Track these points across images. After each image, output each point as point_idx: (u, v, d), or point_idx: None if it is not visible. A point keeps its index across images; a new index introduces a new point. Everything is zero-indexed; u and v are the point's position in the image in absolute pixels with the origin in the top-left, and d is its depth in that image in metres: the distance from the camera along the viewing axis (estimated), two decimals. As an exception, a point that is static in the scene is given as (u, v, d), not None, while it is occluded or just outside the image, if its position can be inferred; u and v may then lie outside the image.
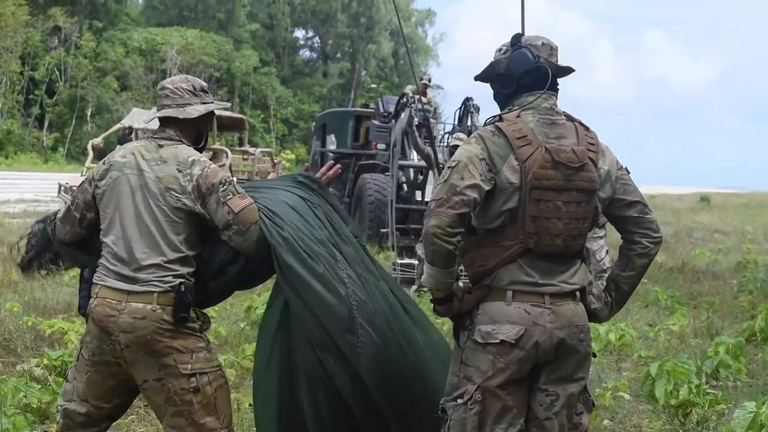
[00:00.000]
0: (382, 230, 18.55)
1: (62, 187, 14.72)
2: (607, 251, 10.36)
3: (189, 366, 4.39)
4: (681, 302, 12.93)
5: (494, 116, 4.18)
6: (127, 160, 4.53)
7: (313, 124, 25.73)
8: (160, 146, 4.54)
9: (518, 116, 4.06)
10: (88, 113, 61.96)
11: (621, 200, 4.24)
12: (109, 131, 16.34)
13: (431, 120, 20.01)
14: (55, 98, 62.10)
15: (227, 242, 4.44)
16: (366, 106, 25.92)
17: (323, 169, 4.84)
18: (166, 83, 4.71)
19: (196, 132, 4.72)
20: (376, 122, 20.90)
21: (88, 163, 15.58)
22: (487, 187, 3.94)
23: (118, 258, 4.44)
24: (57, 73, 61.99)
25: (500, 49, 4.26)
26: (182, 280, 4.39)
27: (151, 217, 4.42)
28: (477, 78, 4.36)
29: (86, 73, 62.25)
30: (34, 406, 6.37)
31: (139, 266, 4.38)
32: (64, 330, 8.16)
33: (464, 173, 3.93)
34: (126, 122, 15.93)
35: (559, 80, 4.25)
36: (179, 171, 4.43)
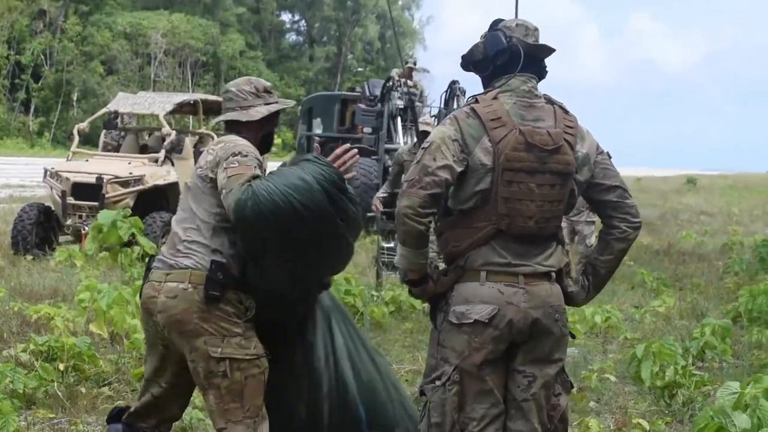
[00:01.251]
0: (368, 214, 18.54)
1: (48, 172, 14.64)
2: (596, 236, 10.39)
3: (219, 350, 4.34)
4: (667, 284, 12.97)
5: (471, 97, 4.20)
6: None
7: (299, 108, 25.63)
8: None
9: (495, 98, 4.08)
10: (74, 98, 61.67)
11: (600, 184, 4.24)
12: (95, 116, 16.23)
13: (417, 103, 20.00)
14: (40, 83, 61.81)
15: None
16: (352, 89, 25.87)
17: (338, 151, 4.55)
18: (230, 86, 4.75)
19: (261, 133, 4.72)
20: (362, 106, 20.87)
21: (73, 147, 15.49)
22: (459, 168, 3.96)
23: (167, 245, 4.57)
24: (43, 57, 61.68)
25: (481, 36, 4.27)
26: (215, 257, 4.37)
27: (189, 198, 4.52)
28: (461, 66, 4.38)
29: (72, 58, 61.93)
30: (21, 391, 6.35)
31: (178, 244, 4.46)
32: (50, 315, 8.12)
33: (436, 154, 3.95)
34: (112, 107, 15.82)
35: (547, 63, 4.26)
36: (208, 152, 4.51)
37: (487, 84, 4.24)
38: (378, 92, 19.85)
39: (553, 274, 4.15)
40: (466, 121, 4.03)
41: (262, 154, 4.58)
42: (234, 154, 4.33)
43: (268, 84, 4.80)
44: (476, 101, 4.10)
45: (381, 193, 10.64)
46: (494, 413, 4.06)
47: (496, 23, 4.23)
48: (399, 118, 18.38)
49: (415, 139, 17.27)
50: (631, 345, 8.75)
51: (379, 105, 19.11)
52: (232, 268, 4.37)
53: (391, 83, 19.01)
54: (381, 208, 10.35)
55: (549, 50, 4.24)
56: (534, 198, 4.00)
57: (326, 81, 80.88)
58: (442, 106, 16.22)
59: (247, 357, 4.39)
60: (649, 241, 19.43)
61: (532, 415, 4.09)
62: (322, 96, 25.31)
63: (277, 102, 4.75)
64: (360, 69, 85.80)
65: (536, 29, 4.22)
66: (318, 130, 22.64)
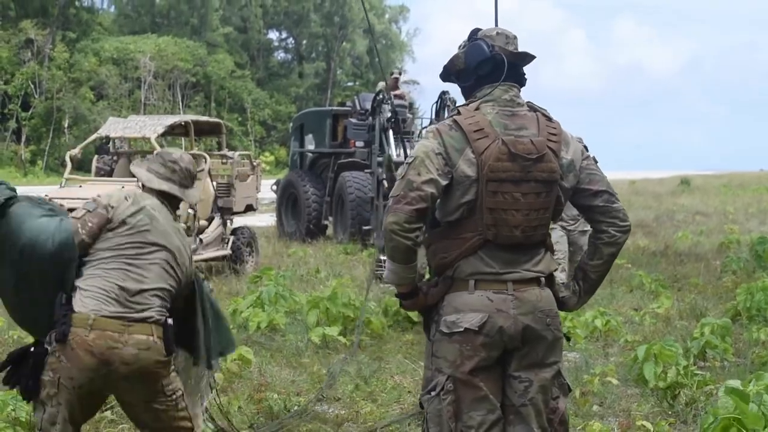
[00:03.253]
0: (365, 227, 18.55)
1: (42, 200, 14.63)
2: None
3: (171, 386, 4.78)
4: (665, 285, 12.99)
5: (453, 109, 4.22)
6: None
7: (290, 125, 25.66)
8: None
9: (477, 108, 4.10)
10: (65, 125, 61.58)
11: (586, 190, 4.25)
12: (86, 141, 16.19)
13: (408, 114, 20.00)
14: (30, 111, 61.74)
15: None
16: (342, 104, 25.89)
17: None
18: (179, 160, 5.08)
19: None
20: (353, 120, 20.89)
21: (66, 174, 15.46)
22: (444, 182, 3.98)
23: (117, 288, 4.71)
24: (32, 86, 61.63)
25: (460, 46, 4.29)
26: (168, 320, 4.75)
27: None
28: (441, 77, 4.41)
29: (61, 85, 61.88)
30: (23, 419, 6.34)
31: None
32: (49, 342, 8.11)
33: (421, 169, 3.97)
34: (103, 132, 15.80)
35: (527, 71, 4.27)
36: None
37: (468, 94, 4.25)
38: (369, 106, 19.86)
39: (543, 279, 4.16)
40: (448, 133, 4.04)
41: None
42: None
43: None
44: (458, 113, 4.10)
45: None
46: (492, 419, 4.07)
47: (474, 33, 4.25)
48: (390, 131, 18.38)
49: (410, 151, 17.33)
50: (631, 348, 8.76)
51: (371, 119, 19.12)
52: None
53: (381, 96, 19.03)
54: None
55: (530, 57, 4.26)
56: (520, 207, 4.02)
57: (317, 97, 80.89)
58: (433, 116, 16.20)
59: (181, 386, 4.90)
60: (646, 243, 19.45)
61: (531, 420, 4.10)
62: (313, 112, 25.31)
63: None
64: (350, 83, 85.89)
65: (515, 37, 4.24)
66: (310, 146, 22.67)
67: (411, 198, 3.92)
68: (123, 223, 4.73)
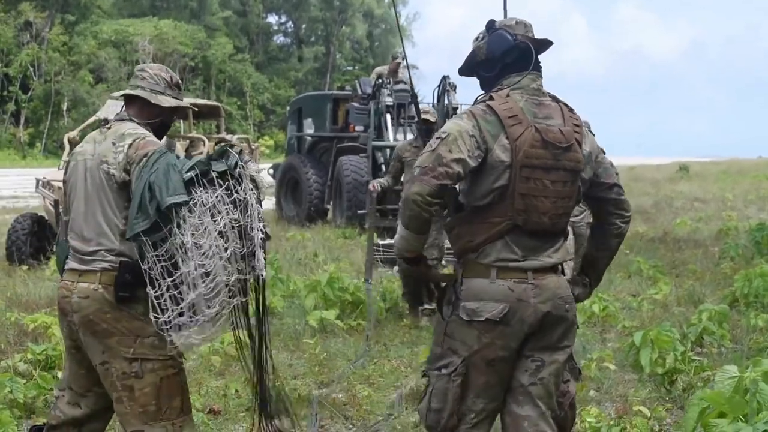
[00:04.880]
0: (360, 211, 18.52)
1: (40, 182, 14.63)
2: None
3: (132, 350, 4.29)
4: (663, 271, 13.01)
5: (484, 94, 4.23)
6: (83, 149, 4.56)
7: (288, 109, 25.57)
8: (108, 128, 4.52)
9: (508, 95, 4.11)
10: (64, 107, 61.55)
11: (602, 183, 4.35)
12: (85, 124, 16.20)
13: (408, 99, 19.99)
14: (30, 94, 61.67)
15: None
16: (342, 88, 25.84)
17: None
18: (146, 67, 4.72)
19: (161, 122, 4.68)
20: (355, 104, 20.84)
21: (64, 156, 15.42)
22: (473, 164, 3.99)
23: (75, 239, 4.46)
24: (31, 68, 61.52)
25: (477, 38, 4.32)
26: (123, 258, 4.30)
27: (95, 194, 4.41)
28: (461, 72, 4.45)
29: (60, 68, 61.80)
30: (20, 401, 6.36)
31: (88, 244, 4.39)
32: (47, 324, 8.12)
33: (452, 146, 3.97)
34: (101, 114, 15.77)
35: (540, 57, 4.29)
36: (113, 144, 4.40)
37: (492, 84, 4.26)
38: (370, 90, 19.84)
39: (560, 267, 4.21)
40: (484, 117, 4.05)
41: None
42: (147, 155, 4.24)
43: (180, 81, 4.79)
44: (491, 98, 4.11)
45: (383, 180, 10.50)
46: (491, 408, 4.15)
47: (491, 24, 4.28)
48: (389, 115, 18.35)
49: (411, 135, 17.28)
50: (629, 333, 8.77)
51: (371, 103, 19.11)
52: (133, 265, 4.23)
53: (380, 81, 19.00)
54: (377, 188, 10.28)
55: (549, 44, 4.30)
56: (548, 194, 4.06)
57: (316, 81, 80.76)
58: (435, 101, 16.15)
59: (161, 357, 4.32)
60: (645, 230, 19.45)
61: (541, 400, 4.13)
62: (312, 96, 25.24)
63: (182, 100, 4.74)
64: (349, 68, 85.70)
65: (531, 25, 4.29)
66: (309, 130, 22.61)
67: (438, 173, 3.93)
68: (65, 183, 4.64)
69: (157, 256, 4.05)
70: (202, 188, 4.07)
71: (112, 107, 16.14)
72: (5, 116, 61.36)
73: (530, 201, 4.03)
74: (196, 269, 4.02)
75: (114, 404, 4.40)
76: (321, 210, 21.11)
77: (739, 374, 5.02)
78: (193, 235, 4.01)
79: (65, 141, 15.51)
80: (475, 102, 4.21)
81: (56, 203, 13.89)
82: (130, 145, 4.34)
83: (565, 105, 4.23)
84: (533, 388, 4.12)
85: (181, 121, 22.24)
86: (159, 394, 4.32)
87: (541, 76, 4.25)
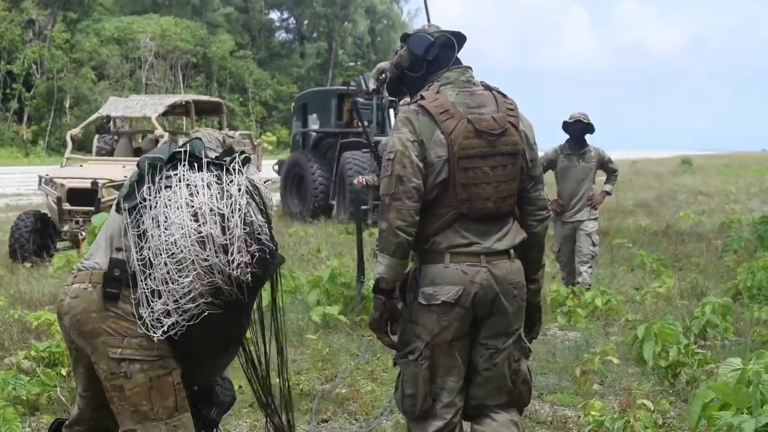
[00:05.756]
0: (362, 207, 18.50)
1: (42, 179, 14.64)
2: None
3: (119, 351, 4.14)
4: (666, 265, 12.99)
5: (415, 95, 4.37)
6: None
7: (292, 104, 25.54)
8: None
9: (438, 92, 4.29)
10: (67, 105, 61.54)
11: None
12: (87, 121, 16.20)
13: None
14: (32, 91, 61.68)
15: None
16: (347, 84, 25.84)
17: None
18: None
19: None
20: (360, 100, 20.82)
21: (67, 153, 15.48)
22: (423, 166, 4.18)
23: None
24: (34, 66, 61.53)
25: (395, 51, 4.55)
26: (114, 255, 4.22)
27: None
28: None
29: (62, 65, 61.80)
30: (24, 398, 6.37)
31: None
32: (50, 321, 8.11)
33: (404, 160, 4.16)
34: (104, 111, 15.79)
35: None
36: None
37: (422, 84, 4.41)
38: (373, 86, 19.85)
39: (512, 251, 4.36)
40: (417, 119, 4.23)
41: None
42: None
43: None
44: (422, 97, 4.28)
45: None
46: (460, 386, 4.37)
47: (406, 35, 4.50)
48: (392, 110, 18.35)
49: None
50: (632, 327, 8.75)
51: (375, 98, 19.13)
52: (122, 262, 4.17)
53: (384, 76, 18.99)
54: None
55: (464, 38, 4.49)
56: (489, 180, 4.23)
57: (318, 77, 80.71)
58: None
59: (149, 358, 4.17)
60: (648, 223, 19.45)
61: (495, 382, 4.40)
62: (317, 91, 25.22)
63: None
64: (351, 64, 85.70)
65: (441, 27, 4.52)
66: (315, 126, 22.60)
67: (407, 193, 4.13)
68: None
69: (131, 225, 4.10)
70: (189, 168, 4.15)
71: (114, 104, 16.16)
72: (8, 114, 61.37)
73: (472, 189, 4.21)
74: (165, 240, 3.98)
75: (109, 402, 4.31)
76: (326, 206, 21.10)
77: (743, 367, 5.03)
78: (166, 206, 4.02)
79: (68, 138, 15.54)
80: (408, 104, 4.37)
81: (59, 200, 13.91)
82: None
83: (498, 91, 4.40)
84: (486, 372, 4.38)
85: (184, 118, 22.26)
86: (150, 394, 4.21)
87: (470, 68, 4.43)
